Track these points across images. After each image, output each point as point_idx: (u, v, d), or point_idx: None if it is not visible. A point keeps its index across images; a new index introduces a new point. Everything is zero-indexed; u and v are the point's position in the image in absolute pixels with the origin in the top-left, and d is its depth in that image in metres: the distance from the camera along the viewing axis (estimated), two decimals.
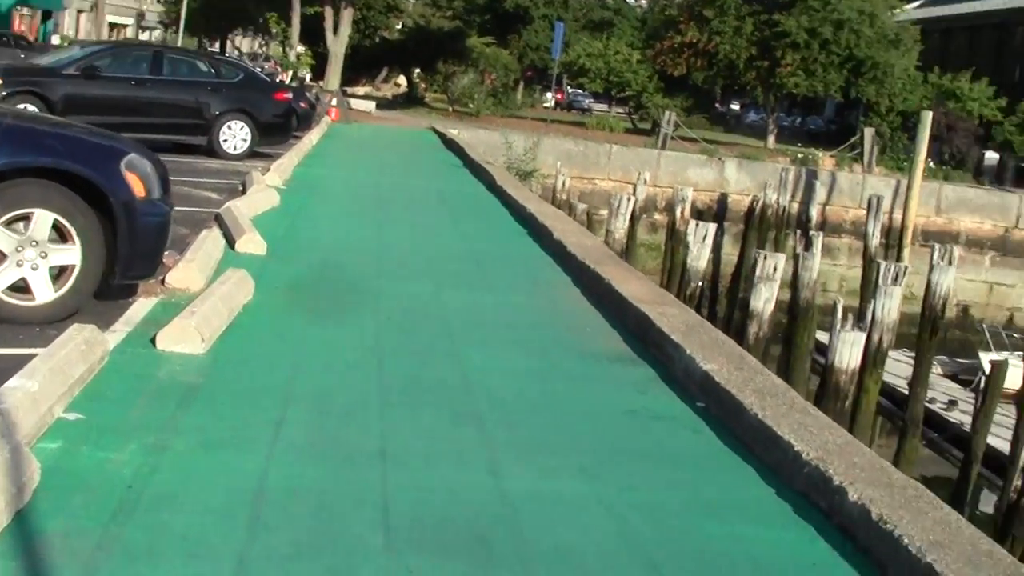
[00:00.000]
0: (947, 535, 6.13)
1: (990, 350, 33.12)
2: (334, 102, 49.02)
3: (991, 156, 55.16)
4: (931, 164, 46.73)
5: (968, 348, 38.81)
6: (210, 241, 13.78)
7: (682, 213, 37.57)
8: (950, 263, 25.57)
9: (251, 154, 27.82)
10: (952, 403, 30.42)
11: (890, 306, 21.38)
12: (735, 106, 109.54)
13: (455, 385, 9.28)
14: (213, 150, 27.53)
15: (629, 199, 29.98)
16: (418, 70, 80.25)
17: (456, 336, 11.09)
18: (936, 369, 32.60)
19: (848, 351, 17.49)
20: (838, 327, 17.74)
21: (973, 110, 57.48)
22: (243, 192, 19.89)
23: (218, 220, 16.18)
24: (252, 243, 14.39)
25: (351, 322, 11.16)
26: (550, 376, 9.88)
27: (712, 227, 24.95)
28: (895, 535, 6.12)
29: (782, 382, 9.31)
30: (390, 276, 14.07)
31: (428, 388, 9.08)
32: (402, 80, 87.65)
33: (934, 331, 25.10)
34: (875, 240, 39.13)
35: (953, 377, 34.15)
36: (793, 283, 27.26)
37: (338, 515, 6.30)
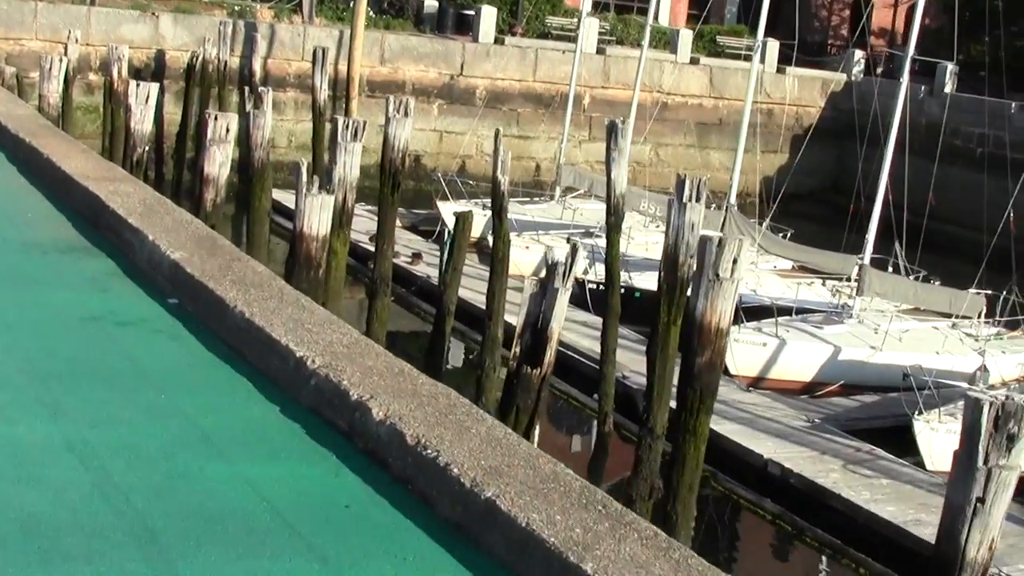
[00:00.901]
0: (502, 456, 5.11)
1: (447, 199, 33.02)
2: None
3: (431, 4, 54.85)
4: (371, 13, 45.96)
5: (423, 198, 38.72)
6: None
7: (119, 73, 35.49)
8: (406, 115, 24.81)
9: None
10: (416, 256, 30.11)
11: (351, 163, 20.40)
12: None
13: None
14: None
15: (61, 60, 27.77)
16: None
17: None
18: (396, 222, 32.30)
19: (317, 216, 16.39)
20: (304, 191, 16.60)
21: None
22: None
23: None
24: None
25: None
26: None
27: (154, 87, 23.28)
28: (439, 463, 5.05)
29: (266, 269, 8.18)
30: None
31: None
32: None
33: (395, 186, 24.33)
34: (323, 94, 38.18)
35: (413, 228, 33.86)
36: (245, 143, 25.92)
37: None
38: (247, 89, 41.18)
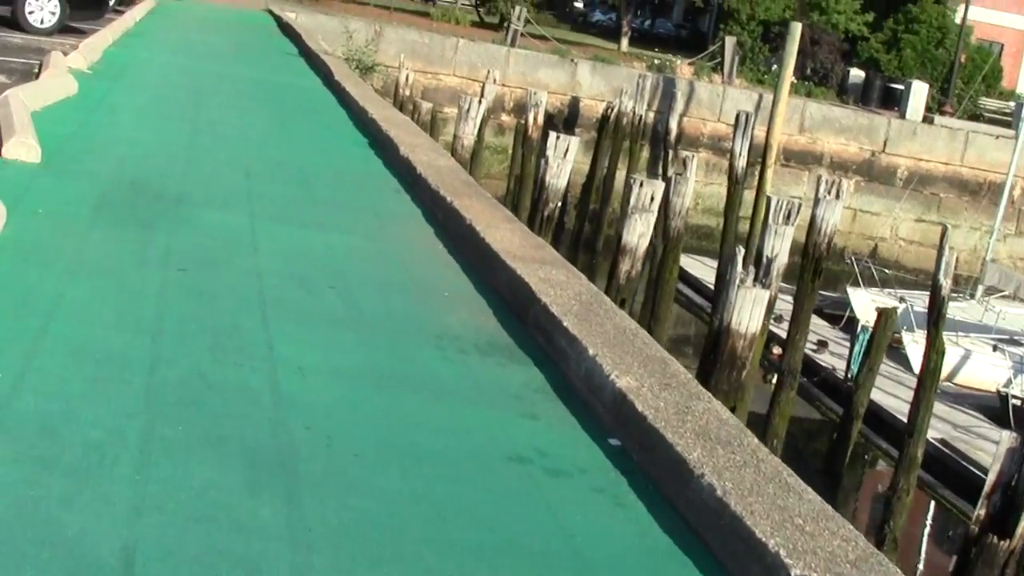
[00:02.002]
0: None
1: (859, 285, 31.09)
2: None
3: (856, 74, 52.92)
4: (793, 79, 44.34)
5: (828, 279, 36.76)
6: None
7: (535, 119, 34.80)
8: (837, 196, 23.03)
9: (62, 29, 24.44)
10: (822, 344, 28.26)
11: (782, 248, 18.76)
12: (578, 3, 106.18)
13: (257, 403, 6.36)
14: (18, 22, 24.11)
15: (480, 102, 26.96)
16: None
17: (270, 304, 8.16)
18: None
19: (749, 311, 14.78)
20: (736, 281, 15.02)
21: (839, 24, 55.15)
22: (37, 76, 16.71)
23: None
24: (23, 147, 11.30)
25: (128, 275, 8.21)
26: (393, 383, 7.03)
27: (574, 140, 22.08)
28: None
29: (733, 418, 6.58)
30: (195, 201, 11.00)
31: (215, 409, 6.17)
32: None
33: (817, 273, 22.56)
34: (742, 160, 36.55)
35: (818, 312, 31.76)
36: (662, 208, 24.58)
37: None
38: (669, 151, 40.20)
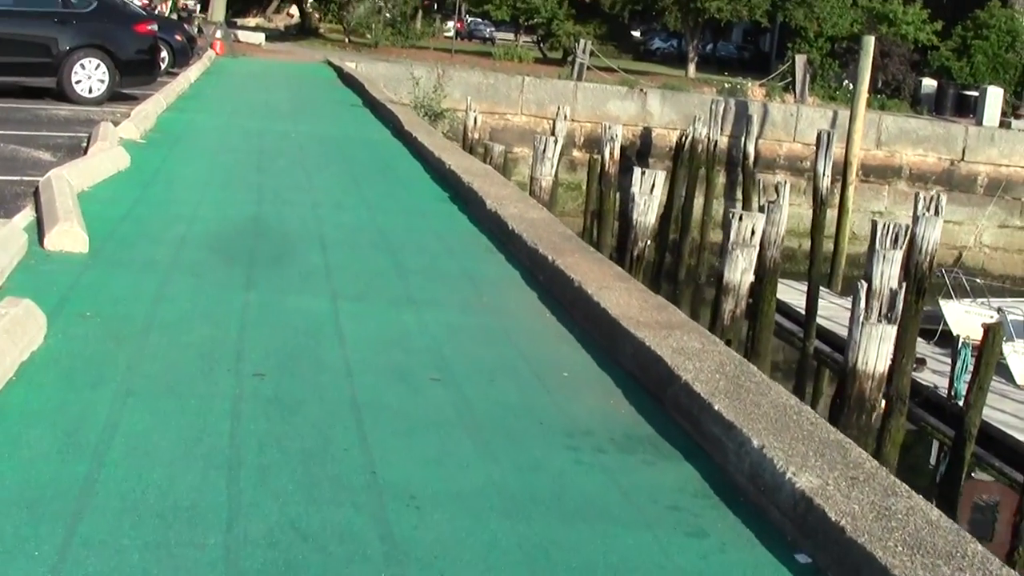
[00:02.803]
0: None
1: (951, 297, 29.54)
2: (219, 34, 44.55)
3: (928, 83, 51.38)
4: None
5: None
6: (5, 234, 9.46)
7: (611, 153, 33.57)
8: (936, 213, 21.54)
9: (112, 97, 23.31)
10: (920, 362, 26.66)
11: (891, 274, 17.29)
12: (636, 33, 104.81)
13: (365, 556, 5.02)
14: (64, 93, 23.01)
15: (556, 141, 25.58)
16: None
17: (365, 410, 6.80)
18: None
19: (875, 349, 13.37)
20: (861, 318, 13.60)
21: (908, 34, 53.56)
22: (85, 151, 15.50)
23: (36, 196, 11.87)
24: (67, 237, 10.03)
25: (195, 389, 6.88)
26: (525, 505, 5.69)
27: (660, 175, 20.74)
28: None
29: (940, 515, 5.23)
30: (267, 285, 9.65)
31: (315, 571, 4.84)
32: (294, 11, 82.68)
33: (920, 293, 21.09)
34: (826, 180, 35.07)
35: None
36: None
37: None
38: (748, 176, 38.94)
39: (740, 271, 17.62)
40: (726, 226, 17.63)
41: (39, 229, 10.40)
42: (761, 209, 22.82)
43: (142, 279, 9.30)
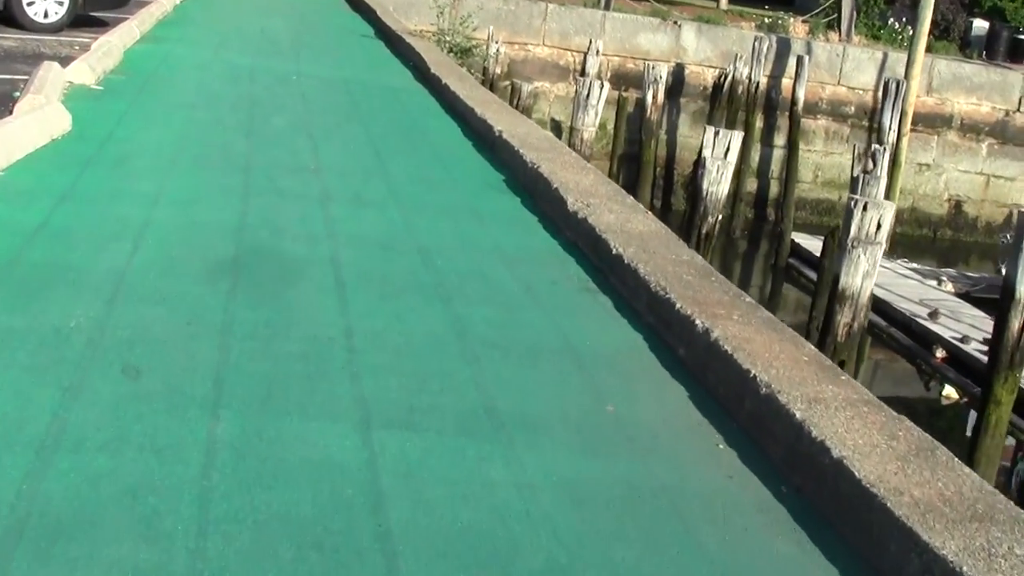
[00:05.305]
0: None
1: None
2: None
3: (979, 25, 47.41)
4: (910, 33, 38.90)
5: (960, 252, 34.47)
6: None
7: (654, 96, 29.86)
8: None
9: (75, 22, 19.28)
10: (934, 314, 23.01)
11: None
12: None
13: None
14: (13, 17, 18.96)
15: (602, 88, 21.44)
16: None
17: None
18: (947, 286, 26.04)
19: None
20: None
21: None
22: (12, 108, 11.35)
23: None
24: None
25: None
26: None
27: (736, 136, 16.88)
28: None
29: None
30: (247, 412, 5.77)
31: None
32: None
33: None
34: (891, 135, 31.24)
35: (966, 296, 25.79)
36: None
37: None
38: (792, 121, 35.31)
39: (862, 275, 13.75)
40: (847, 216, 13.72)
41: None
42: (855, 180, 18.74)
43: (51, 366, 5.35)
